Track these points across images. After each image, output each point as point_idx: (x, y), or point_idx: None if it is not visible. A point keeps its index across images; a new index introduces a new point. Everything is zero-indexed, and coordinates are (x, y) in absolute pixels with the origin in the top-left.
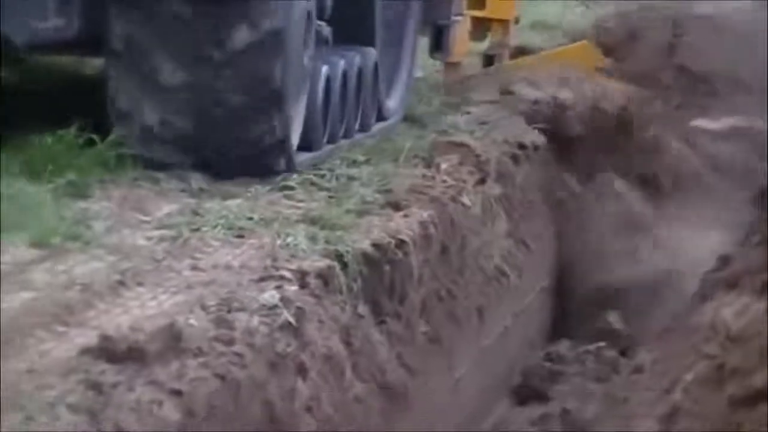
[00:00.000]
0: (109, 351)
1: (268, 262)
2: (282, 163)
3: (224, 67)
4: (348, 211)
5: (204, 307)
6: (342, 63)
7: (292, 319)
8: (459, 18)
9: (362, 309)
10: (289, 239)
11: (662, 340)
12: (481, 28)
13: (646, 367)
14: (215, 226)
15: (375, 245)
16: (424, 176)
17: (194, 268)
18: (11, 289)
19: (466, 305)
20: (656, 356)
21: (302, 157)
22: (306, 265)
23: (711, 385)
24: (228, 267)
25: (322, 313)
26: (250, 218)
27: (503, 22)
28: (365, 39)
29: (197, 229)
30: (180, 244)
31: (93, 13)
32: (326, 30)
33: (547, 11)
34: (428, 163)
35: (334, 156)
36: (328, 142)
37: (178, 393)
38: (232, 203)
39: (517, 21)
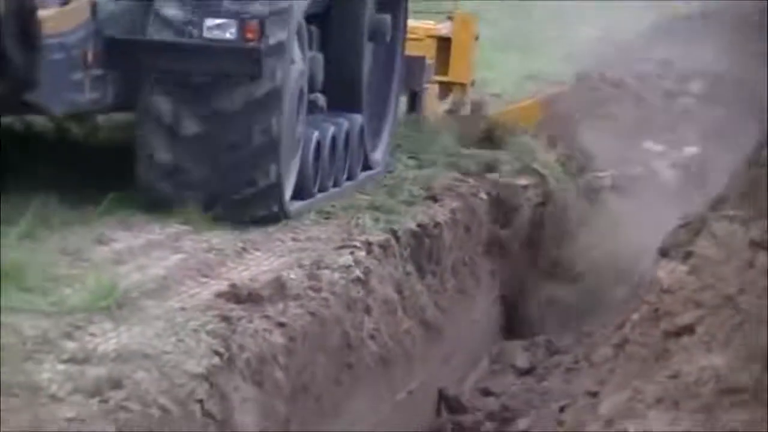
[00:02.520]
0: (235, 295)
1: (345, 235)
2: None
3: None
4: (400, 201)
5: (301, 266)
6: (332, 129)
7: (361, 275)
8: (428, 85)
9: (410, 269)
10: (360, 220)
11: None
12: (444, 89)
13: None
14: (309, 211)
15: (419, 225)
16: (454, 178)
17: (294, 239)
18: (169, 252)
19: (482, 267)
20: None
21: (295, 205)
22: (371, 238)
23: (650, 323)
24: (318, 239)
25: (382, 271)
26: (333, 206)
27: (462, 85)
28: (354, 106)
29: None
30: (284, 223)
31: (125, 86)
32: (321, 99)
33: (538, 67)
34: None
35: (325, 201)
36: (320, 191)
37: (282, 324)
38: (320, 195)
39: (472, 84)
